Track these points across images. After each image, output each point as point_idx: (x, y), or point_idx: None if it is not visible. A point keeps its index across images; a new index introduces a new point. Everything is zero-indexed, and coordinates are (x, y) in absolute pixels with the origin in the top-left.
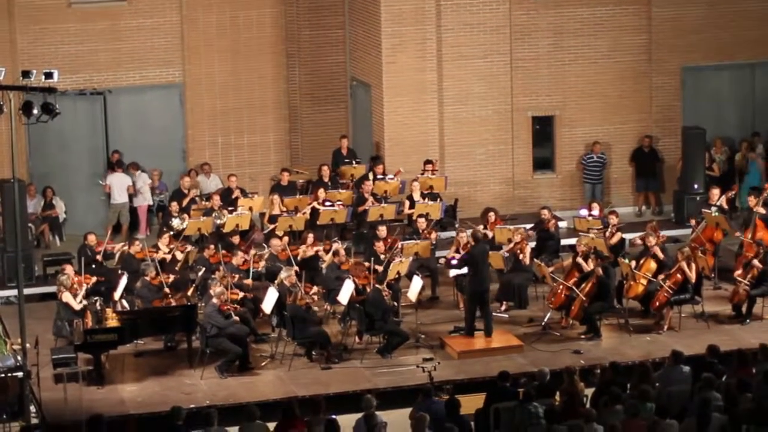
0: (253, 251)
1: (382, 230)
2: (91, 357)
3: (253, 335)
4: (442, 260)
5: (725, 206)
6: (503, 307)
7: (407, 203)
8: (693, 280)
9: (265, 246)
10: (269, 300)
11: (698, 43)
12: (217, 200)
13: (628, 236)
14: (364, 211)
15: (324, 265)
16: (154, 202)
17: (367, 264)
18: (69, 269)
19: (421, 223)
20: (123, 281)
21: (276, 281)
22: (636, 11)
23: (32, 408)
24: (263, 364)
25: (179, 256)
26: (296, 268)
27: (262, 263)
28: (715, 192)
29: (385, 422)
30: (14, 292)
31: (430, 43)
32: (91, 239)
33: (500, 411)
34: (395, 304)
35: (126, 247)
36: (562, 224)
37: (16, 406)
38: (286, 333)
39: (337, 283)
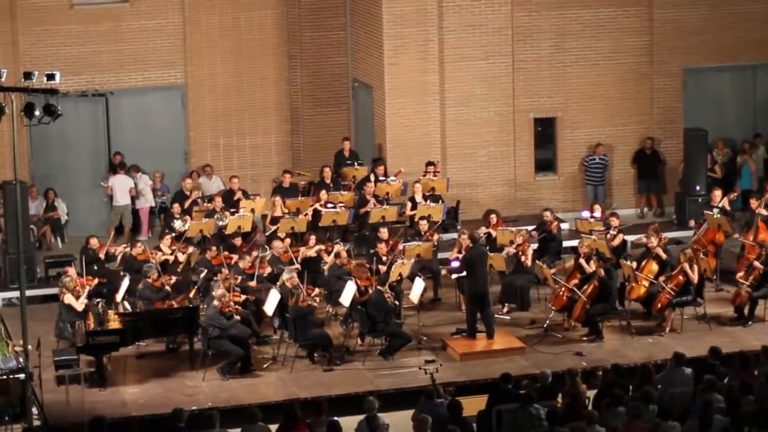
0: (256, 253)
1: (384, 232)
2: (93, 359)
3: (255, 337)
4: (447, 268)
5: (727, 208)
6: (505, 309)
7: (409, 205)
8: (695, 282)
9: (267, 248)
10: (271, 302)
11: (700, 44)
12: (219, 202)
13: (630, 238)
14: (366, 212)
15: (326, 267)
16: (156, 204)
17: (369, 265)
18: (71, 271)
19: (423, 224)
20: (125, 283)
21: (278, 283)
22: (637, 13)
23: (34, 410)
24: (265, 366)
25: (181, 257)
26: (298, 266)
27: (269, 269)
28: (717, 193)
29: (387, 424)
30: (16, 293)
31: (432, 45)
32: (94, 243)
33: (502, 413)
34: (396, 303)
35: (128, 249)
36: (564, 226)
37: (18, 407)
38: (288, 335)
39: (339, 285)
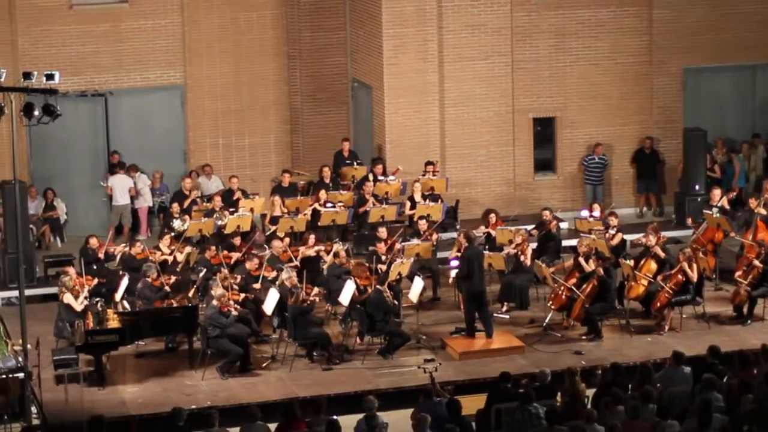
0: (263, 255)
1: (383, 231)
2: (92, 358)
3: (254, 336)
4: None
5: (726, 207)
6: (504, 308)
7: (408, 204)
8: (694, 281)
9: (267, 247)
10: (270, 301)
11: (699, 44)
12: (218, 201)
13: (629, 237)
14: (365, 212)
15: (325, 266)
16: (154, 204)
17: (368, 264)
18: (71, 271)
19: (422, 224)
20: (124, 282)
21: (277, 282)
22: (637, 13)
23: (33, 409)
24: (264, 365)
25: (180, 257)
26: (297, 265)
27: (274, 274)
28: (716, 193)
29: (386, 423)
30: (15, 293)
31: (431, 45)
32: (93, 242)
33: (501, 412)
34: (395, 302)
35: (127, 249)
36: (564, 225)
37: (17, 407)
38: (287, 334)
39: (338, 284)
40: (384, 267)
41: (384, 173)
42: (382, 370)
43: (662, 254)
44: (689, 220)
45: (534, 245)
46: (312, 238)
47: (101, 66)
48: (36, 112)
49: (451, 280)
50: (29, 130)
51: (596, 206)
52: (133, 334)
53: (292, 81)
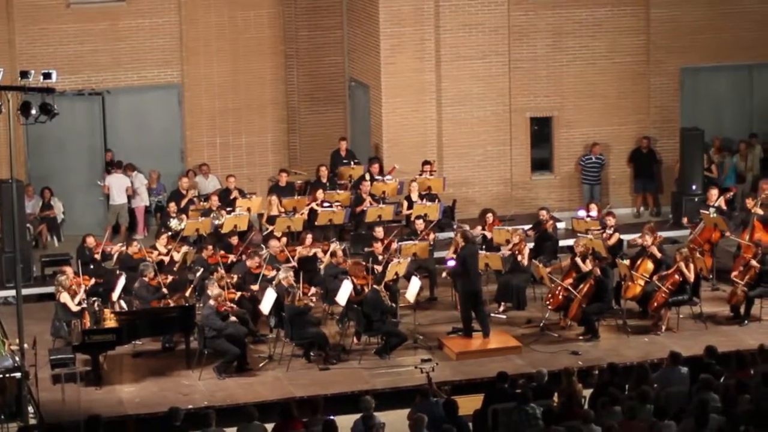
0: (263, 254)
1: (380, 231)
2: (89, 357)
3: (251, 335)
4: (444, 269)
5: (723, 207)
6: (501, 308)
7: (405, 204)
8: (691, 281)
9: (264, 247)
10: (267, 301)
11: (696, 44)
12: (215, 201)
13: (626, 237)
14: (362, 211)
15: (322, 266)
16: (151, 203)
17: (365, 264)
18: (68, 270)
19: (420, 224)
20: (121, 282)
21: (274, 282)
22: (634, 12)
23: (30, 408)
24: (261, 364)
25: (176, 256)
26: (294, 264)
27: (274, 273)
28: (714, 193)
29: (383, 423)
30: (12, 292)
31: (429, 44)
32: (90, 241)
33: (498, 412)
34: (393, 305)
35: (124, 248)
36: (561, 225)
37: (14, 406)
38: (284, 334)
39: (336, 284)
40: (380, 268)
41: (381, 173)
42: (379, 370)
43: (659, 254)
44: (685, 220)
45: (531, 245)
46: (309, 237)
47: (99, 65)
48: (33, 111)
49: (444, 274)
50: (26, 128)
51: (593, 206)
52: (130, 334)
53: (289, 80)
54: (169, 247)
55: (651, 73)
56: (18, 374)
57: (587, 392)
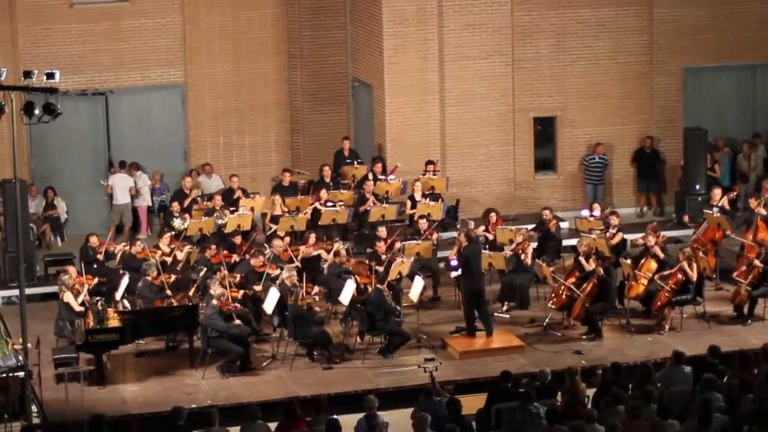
0: (267, 253)
1: (383, 230)
2: (92, 357)
3: (254, 335)
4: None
5: (727, 207)
6: (505, 308)
7: (409, 204)
8: (694, 281)
9: (267, 246)
10: (270, 300)
11: (699, 44)
12: (218, 200)
13: (629, 237)
14: (365, 211)
15: (325, 266)
16: (154, 203)
17: (368, 263)
18: (71, 270)
19: (423, 223)
20: (124, 281)
21: (277, 281)
22: (637, 12)
23: (33, 408)
24: (264, 364)
25: (180, 255)
26: (298, 264)
27: (278, 272)
28: (717, 192)
29: (386, 422)
30: (16, 292)
31: (432, 44)
32: (93, 241)
33: (502, 411)
34: (398, 309)
35: (127, 248)
36: (564, 225)
37: (18, 406)
38: (288, 333)
39: (339, 283)
40: (381, 268)
41: (384, 172)
42: (383, 370)
43: (662, 254)
44: (686, 218)
45: (535, 245)
46: (312, 237)
47: (102, 65)
48: (36, 111)
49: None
50: (30, 128)
51: (596, 206)
52: (134, 333)
53: (292, 80)
54: (172, 246)
55: (654, 73)
56: (21, 374)
57: (591, 392)
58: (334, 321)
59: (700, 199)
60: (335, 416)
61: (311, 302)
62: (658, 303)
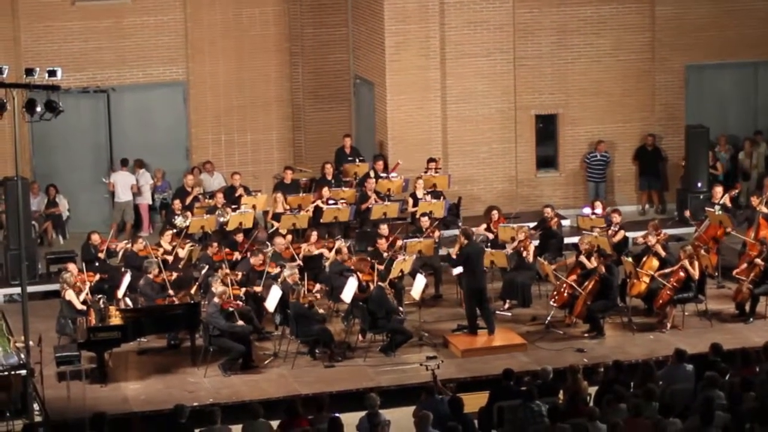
0: (267, 251)
1: (384, 228)
2: (94, 355)
3: (256, 333)
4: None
5: (728, 205)
6: (506, 306)
7: (410, 201)
8: (696, 279)
9: (269, 244)
10: (272, 298)
11: (702, 41)
12: (220, 198)
13: (631, 235)
14: (367, 209)
15: (327, 263)
16: (156, 201)
17: (370, 260)
18: (72, 267)
19: (425, 221)
20: (126, 279)
21: (279, 279)
22: (639, 9)
23: (35, 406)
24: (266, 362)
25: (181, 253)
26: (299, 262)
27: (278, 270)
28: (719, 190)
29: (388, 420)
30: (17, 289)
31: (434, 42)
32: (95, 238)
33: (504, 409)
34: (400, 310)
35: (129, 245)
36: (566, 223)
37: (20, 404)
38: (290, 331)
39: (341, 281)
40: (381, 267)
41: (385, 169)
42: (385, 368)
43: (663, 252)
44: (687, 213)
45: (537, 242)
46: (314, 235)
47: (104, 62)
48: (38, 109)
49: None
50: (31, 126)
51: (598, 203)
52: (136, 331)
53: (294, 78)
54: (174, 244)
55: (656, 71)
56: (23, 371)
57: (592, 389)
58: (336, 319)
59: (701, 196)
60: (337, 414)
61: (313, 300)
62: (660, 301)
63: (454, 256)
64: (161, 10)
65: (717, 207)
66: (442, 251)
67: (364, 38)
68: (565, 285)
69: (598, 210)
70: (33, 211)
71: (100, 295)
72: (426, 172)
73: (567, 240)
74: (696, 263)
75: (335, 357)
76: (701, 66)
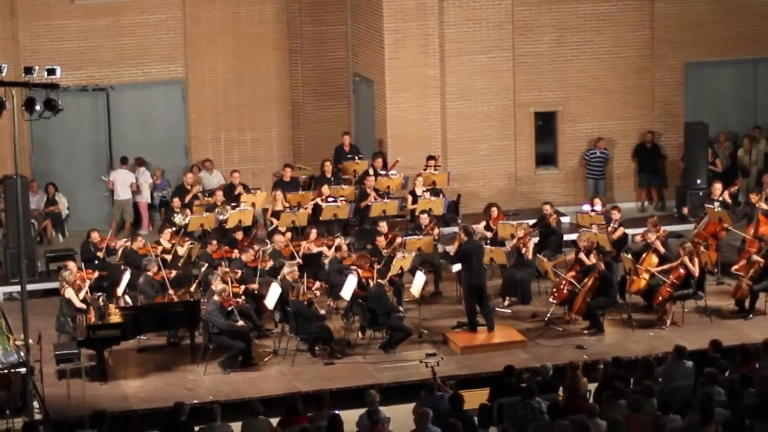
0: (257, 247)
1: (383, 225)
2: (94, 353)
3: (256, 330)
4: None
5: (728, 201)
6: (506, 303)
7: (410, 199)
8: (696, 275)
9: (268, 242)
10: (272, 296)
11: (701, 38)
12: (219, 196)
13: (630, 231)
14: (366, 206)
15: (326, 261)
16: (155, 199)
17: (370, 258)
18: (72, 265)
19: (424, 218)
20: (126, 277)
21: (279, 277)
22: (639, 7)
23: (35, 404)
24: (266, 359)
25: (181, 251)
26: (299, 260)
27: (271, 263)
28: (718, 187)
29: (388, 417)
30: (17, 288)
31: (433, 39)
32: (95, 237)
33: (503, 406)
34: (401, 310)
35: (129, 243)
36: (565, 220)
37: (19, 402)
38: (289, 328)
39: (340, 279)
40: (379, 266)
41: (384, 167)
42: (384, 365)
43: (662, 249)
44: (685, 210)
45: (536, 239)
46: (314, 232)
47: (102, 60)
48: (37, 107)
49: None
50: (31, 124)
51: (597, 200)
52: (135, 329)
53: (293, 75)
54: (173, 242)
55: (655, 68)
56: (23, 369)
57: (592, 386)
58: (336, 316)
59: (701, 193)
60: (337, 411)
61: (312, 297)
62: (660, 298)
63: (452, 253)
64: (160, 8)
65: (716, 204)
66: (439, 248)
67: (364, 36)
68: (564, 282)
69: (598, 207)
70: (32, 210)
71: (99, 293)
72: (425, 170)
73: (567, 237)
74: (696, 260)
75: (335, 354)
76: (700, 63)
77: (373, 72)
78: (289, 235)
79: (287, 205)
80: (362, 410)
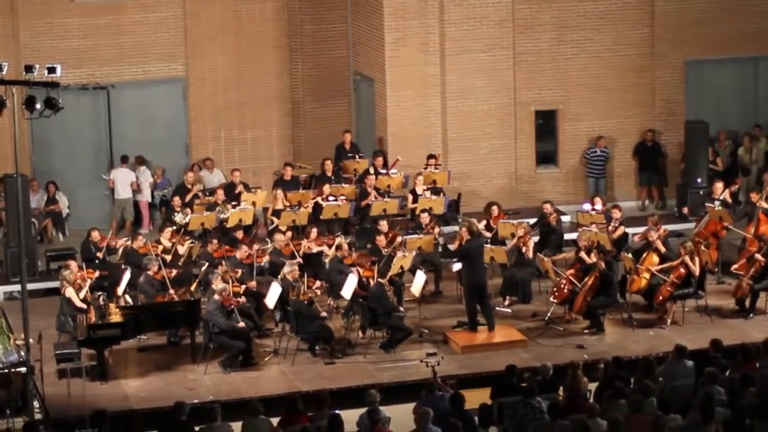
0: (256, 246)
1: (384, 224)
2: (94, 352)
3: (256, 330)
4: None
5: (728, 200)
6: (506, 302)
7: (410, 198)
8: (696, 275)
9: (269, 241)
10: (272, 295)
11: (701, 36)
12: (220, 195)
13: (631, 230)
14: (367, 205)
15: (327, 260)
16: (156, 198)
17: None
18: (72, 264)
19: (424, 217)
20: (126, 276)
21: (279, 276)
22: (639, 5)
23: (35, 403)
24: (267, 359)
25: (181, 250)
26: (300, 260)
27: (266, 258)
28: (719, 186)
29: (388, 417)
30: (17, 287)
31: (433, 37)
32: (95, 236)
33: (504, 406)
34: (401, 310)
35: (129, 242)
36: (565, 218)
37: (20, 401)
38: (290, 328)
39: (341, 278)
40: (380, 265)
41: (385, 166)
42: (385, 364)
43: (663, 248)
44: (685, 210)
45: (536, 238)
46: (314, 231)
47: (103, 59)
48: (38, 106)
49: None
50: (31, 123)
51: (598, 199)
52: (136, 329)
53: (293, 74)
54: (174, 241)
55: (656, 66)
56: (23, 369)
57: (593, 386)
58: (336, 316)
59: (701, 192)
60: (337, 411)
61: (313, 297)
62: (660, 297)
63: (453, 250)
64: (160, 6)
65: (717, 202)
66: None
67: (364, 34)
68: (565, 281)
69: (598, 206)
70: (33, 209)
71: (100, 293)
72: (426, 169)
73: (567, 236)
74: (696, 259)
75: (335, 354)
76: (701, 61)
77: (374, 70)
78: (289, 234)
79: (288, 203)
80: (363, 410)
